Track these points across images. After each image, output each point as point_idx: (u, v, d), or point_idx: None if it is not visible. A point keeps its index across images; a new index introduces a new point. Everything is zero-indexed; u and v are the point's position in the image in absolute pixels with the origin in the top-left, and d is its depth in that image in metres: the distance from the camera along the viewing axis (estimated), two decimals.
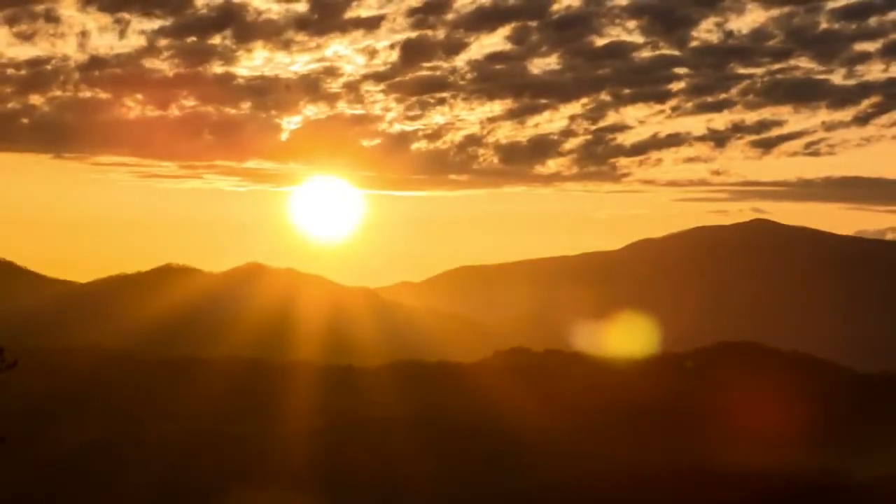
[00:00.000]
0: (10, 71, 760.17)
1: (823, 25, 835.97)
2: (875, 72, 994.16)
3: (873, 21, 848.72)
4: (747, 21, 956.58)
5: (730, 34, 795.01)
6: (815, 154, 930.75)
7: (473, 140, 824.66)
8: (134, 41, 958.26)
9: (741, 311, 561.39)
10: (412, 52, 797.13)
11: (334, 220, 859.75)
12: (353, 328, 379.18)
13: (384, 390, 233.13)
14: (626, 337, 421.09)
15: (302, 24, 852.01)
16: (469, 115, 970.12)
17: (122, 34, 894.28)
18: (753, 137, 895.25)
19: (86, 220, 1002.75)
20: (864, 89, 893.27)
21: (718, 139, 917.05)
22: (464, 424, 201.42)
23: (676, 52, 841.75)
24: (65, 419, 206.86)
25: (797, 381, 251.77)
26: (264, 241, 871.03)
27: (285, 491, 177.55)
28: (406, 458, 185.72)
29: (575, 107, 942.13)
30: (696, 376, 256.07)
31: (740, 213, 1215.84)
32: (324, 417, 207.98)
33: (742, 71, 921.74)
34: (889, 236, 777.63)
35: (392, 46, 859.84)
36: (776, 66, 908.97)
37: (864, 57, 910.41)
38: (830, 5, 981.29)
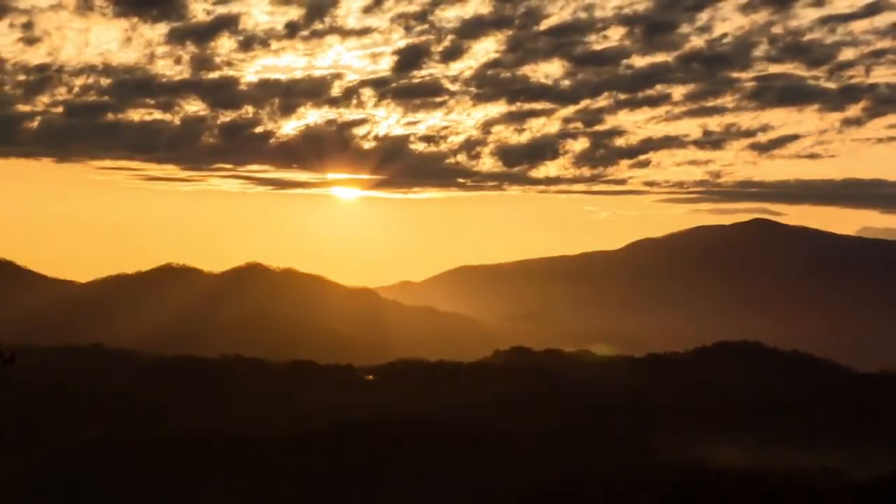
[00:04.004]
0: (14, 76, 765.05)
1: (810, 33, 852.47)
2: (861, 76, 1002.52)
3: (859, 28, 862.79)
4: (734, 28, 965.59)
5: (721, 41, 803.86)
6: (812, 156, 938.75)
7: (473, 143, 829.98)
8: (137, 47, 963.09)
9: (741, 311, 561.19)
10: (412, 57, 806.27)
11: (334, 221, 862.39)
12: (353, 328, 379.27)
13: (384, 390, 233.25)
14: (626, 336, 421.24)
15: (303, 29, 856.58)
16: (468, 119, 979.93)
17: (125, 40, 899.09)
18: (751, 140, 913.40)
19: (86, 222, 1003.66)
20: (856, 93, 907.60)
21: (716, 141, 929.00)
22: (463, 424, 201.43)
23: (672, 58, 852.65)
24: (65, 418, 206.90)
25: (797, 381, 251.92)
26: (265, 242, 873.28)
27: (286, 490, 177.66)
28: (406, 457, 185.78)
29: (573, 111, 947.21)
30: (696, 376, 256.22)
31: (740, 213, 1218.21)
32: (324, 417, 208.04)
33: (737, 75, 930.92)
34: (887, 236, 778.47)
35: (392, 52, 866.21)
36: (770, 72, 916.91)
37: (855, 62, 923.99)
38: (818, 13, 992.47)
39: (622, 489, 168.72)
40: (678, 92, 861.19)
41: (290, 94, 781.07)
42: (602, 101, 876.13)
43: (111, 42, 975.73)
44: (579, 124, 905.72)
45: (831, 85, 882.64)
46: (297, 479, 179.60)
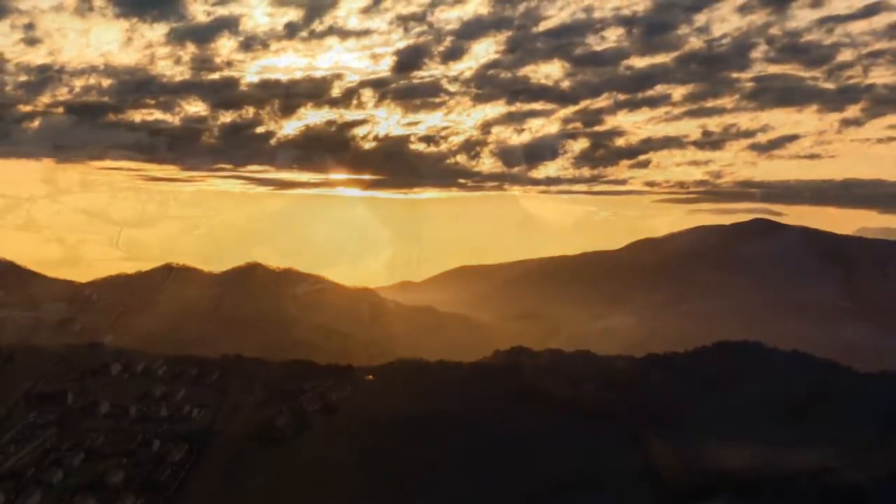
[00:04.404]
0: (16, 76, 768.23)
1: (808, 34, 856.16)
2: (859, 77, 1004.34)
3: (857, 28, 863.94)
4: (733, 28, 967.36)
5: (719, 42, 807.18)
6: (812, 157, 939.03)
7: (473, 143, 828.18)
8: (138, 47, 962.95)
9: (741, 311, 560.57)
10: (412, 58, 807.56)
11: (334, 221, 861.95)
12: (353, 328, 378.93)
13: (384, 390, 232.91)
14: (626, 336, 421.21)
15: (303, 30, 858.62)
16: (468, 119, 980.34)
17: (126, 41, 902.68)
18: (751, 140, 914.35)
19: (86, 222, 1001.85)
20: (855, 94, 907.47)
21: (716, 142, 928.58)
22: (463, 424, 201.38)
23: (671, 59, 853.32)
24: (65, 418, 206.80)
25: (797, 381, 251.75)
26: (265, 242, 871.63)
27: (285, 490, 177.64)
28: (406, 457, 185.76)
29: (573, 111, 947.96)
30: (696, 376, 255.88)
31: (740, 213, 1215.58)
32: (324, 417, 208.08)
33: (736, 76, 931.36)
34: (887, 236, 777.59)
35: (392, 52, 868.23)
36: (769, 72, 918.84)
37: (853, 63, 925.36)
38: (816, 14, 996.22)
39: (622, 489, 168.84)
40: (678, 92, 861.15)
41: (291, 95, 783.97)
42: (602, 102, 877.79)
43: (112, 43, 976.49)
44: (579, 125, 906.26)
45: (830, 85, 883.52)
46: (296, 479, 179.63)
